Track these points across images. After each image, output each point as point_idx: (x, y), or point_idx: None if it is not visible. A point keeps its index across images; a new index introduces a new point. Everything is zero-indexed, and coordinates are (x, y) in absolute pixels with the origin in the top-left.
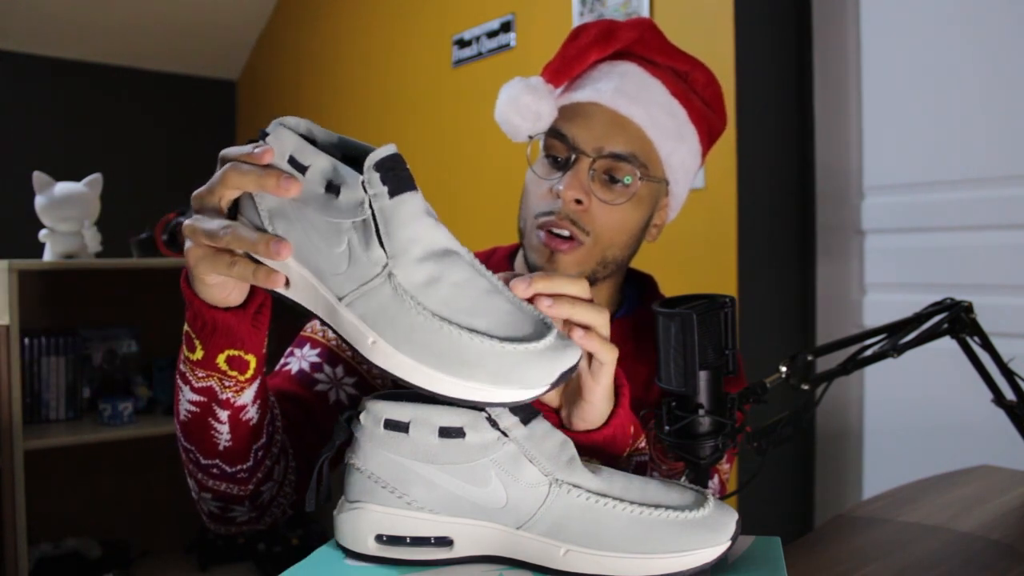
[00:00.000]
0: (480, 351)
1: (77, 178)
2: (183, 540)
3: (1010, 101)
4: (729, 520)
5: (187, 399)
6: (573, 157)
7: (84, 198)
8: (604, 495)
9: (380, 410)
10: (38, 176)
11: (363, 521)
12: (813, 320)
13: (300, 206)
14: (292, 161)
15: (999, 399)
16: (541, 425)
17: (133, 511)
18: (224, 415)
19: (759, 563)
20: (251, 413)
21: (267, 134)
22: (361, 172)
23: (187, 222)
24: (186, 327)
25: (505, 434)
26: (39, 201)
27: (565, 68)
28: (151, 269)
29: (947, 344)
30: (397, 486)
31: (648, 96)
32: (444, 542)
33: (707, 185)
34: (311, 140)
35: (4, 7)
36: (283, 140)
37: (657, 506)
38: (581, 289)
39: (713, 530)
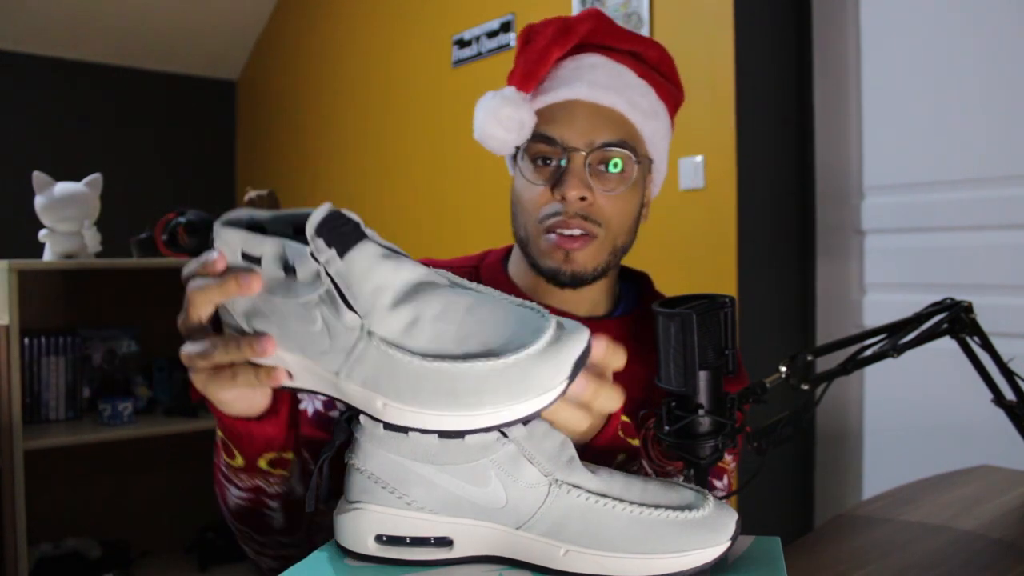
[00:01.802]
0: (483, 375)
1: (77, 178)
2: (183, 540)
3: (1010, 101)
4: (729, 520)
5: (235, 495)
6: (566, 157)
7: (84, 198)
8: (604, 495)
9: None
10: (38, 176)
11: (363, 521)
12: (813, 320)
13: (268, 297)
14: (245, 256)
15: (999, 399)
16: (540, 425)
17: (133, 511)
18: (275, 504)
19: (759, 563)
20: (298, 491)
21: (213, 239)
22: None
23: (181, 351)
24: (220, 435)
25: (504, 434)
26: (39, 201)
27: (531, 72)
28: (151, 269)
29: (947, 344)
30: (397, 486)
31: (621, 82)
32: (444, 542)
33: (707, 185)
34: (259, 227)
35: (4, 7)
36: (229, 240)
37: (657, 506)
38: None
39: (713, 530)
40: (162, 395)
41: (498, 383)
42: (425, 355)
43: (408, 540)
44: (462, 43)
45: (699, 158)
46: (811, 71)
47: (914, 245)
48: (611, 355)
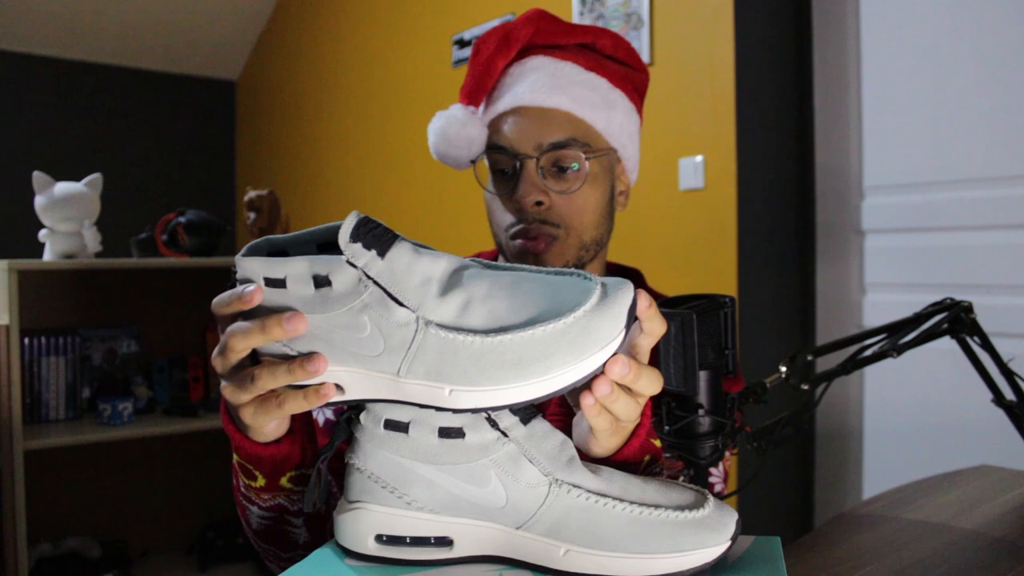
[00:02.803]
0: (547, 339)
1: (77, 178)
2: (183, 540)
3: (1010, 101)
4: (729, 520)
5: (258, 515)
6: (518, 164)
7: (84, 198)
8: (604, 495)
9: (380, 410)
10: (38, 176)
11: (363, 521)
12: (813, 320)
13: (307, 318)
14: (268, 281)
15: (999, 399)
16: (541, 425)
17: (133, 511)
18: (299, 521)
19: (759, 563)
20: (320, 504)
21: (235, 273)
22: (338, 252)
23: (223, 389)
24: (238, 459)
25: (505, 434)
26: (39, 201)
27: (478, 85)
28: (151, 269)
29: (947, 344)
30: (397, 486)
31: (564, 80)
32: (444, 542)
33: (707, 185)
34: (280, 251)
35: (4, 7)
36: (251, 270)
37: (657, 506)
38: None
39: (713, 530)
40: (162, 395)
41: (562, 343)
42: (487, 331)
43: (408, 540)
44: (462, 43)
45: (699, 158)
46: (811, 71)
47: (914, 245)
48: (652, 315)
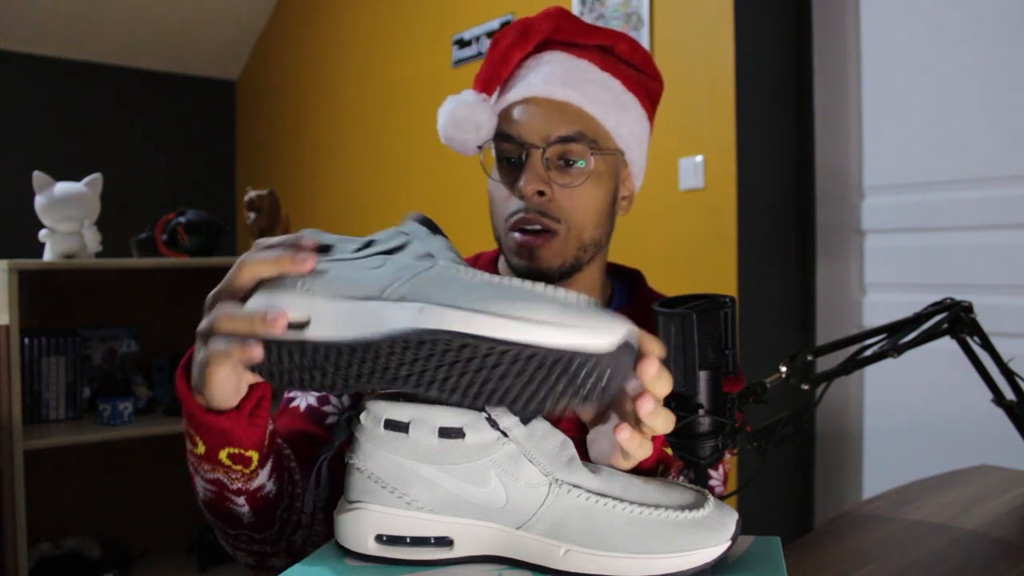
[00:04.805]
0: (548, 297)
1: (77, 178)
2: (183, 540)
3: (1010, 101)
4: (729, 520)
5: (202, 485)
6: (524, 153)
7: (84, 198)
8: (604, 495)
9: (380, 410)
10: (38, 176)
11: (363, 521)
12: (813, 320)
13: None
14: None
15: (999, 399)
16: (541, 425)
17: (133, 511)
18: (241, 499)
19: (759, 563)
20: (268, 488)
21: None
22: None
23: (213, 313)
24: (184, 424)
25: (505, 434)
26: (39, 201)
27: (493, 75)
28: (151, 269)
29: (947, 344)
30: (397, 486)
31: (579, 76)
32: (444, 542)
33: (707, 185)
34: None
35: (4, 7)
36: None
37: (657, 506)
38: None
39: (713, 530)
40: (162, 395)
41: (556, 306)
42: (490, 282)
43: (408, 540)
44: (462, 43)
45: (699, 158)
46: (811, 71)
47: (914, 245)
48: (659, 379)
